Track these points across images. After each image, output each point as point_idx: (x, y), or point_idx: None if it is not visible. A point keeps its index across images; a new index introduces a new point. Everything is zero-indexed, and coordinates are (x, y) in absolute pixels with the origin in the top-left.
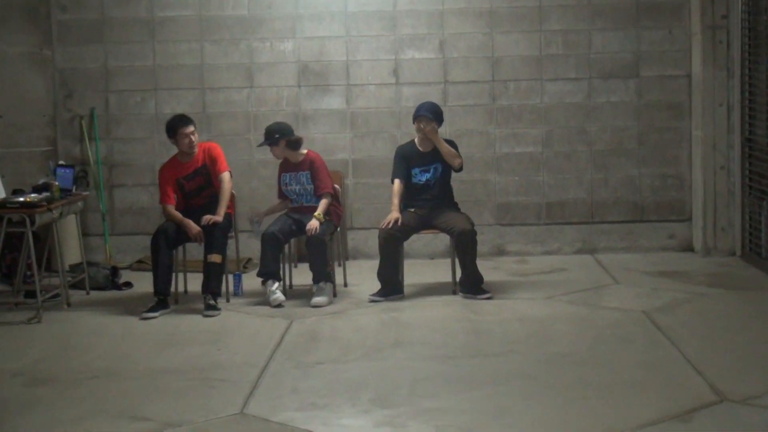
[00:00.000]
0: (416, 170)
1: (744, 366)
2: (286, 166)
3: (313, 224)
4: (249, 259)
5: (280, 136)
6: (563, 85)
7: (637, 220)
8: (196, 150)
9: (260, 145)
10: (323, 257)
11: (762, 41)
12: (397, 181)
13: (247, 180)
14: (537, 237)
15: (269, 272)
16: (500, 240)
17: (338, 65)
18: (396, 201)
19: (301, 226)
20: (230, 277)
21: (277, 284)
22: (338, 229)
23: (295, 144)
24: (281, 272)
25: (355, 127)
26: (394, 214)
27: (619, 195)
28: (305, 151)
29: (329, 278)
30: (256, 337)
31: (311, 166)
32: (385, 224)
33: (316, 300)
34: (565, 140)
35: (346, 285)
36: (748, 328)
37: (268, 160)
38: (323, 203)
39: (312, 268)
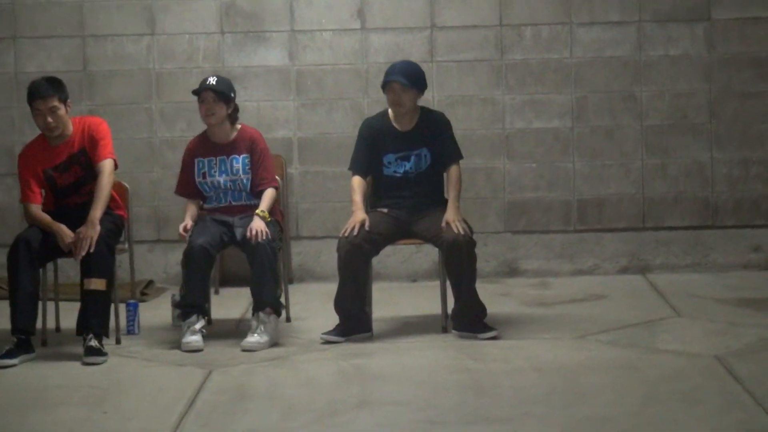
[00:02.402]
0: (390, 157)
1: None
2: (205, 148)
3: (259, 226)
4: (149, 282)
5: (234, 94)
6: (602, 31)
7: (707, 226)
8: (71, 129)
9: (200, 91)
10: (273, 274)
11: None
12: (356, 179)
13: (146, 167)
14: (564, 250)
15: (194, 304)
16: (511, 254)
17: (278, 2)
18: (357, 198)
19: (233, 234)
20: (121, 309)
21: (201, 322)
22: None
23: (235, 114)
24: (209, 298)
25: (303, 91)
26: (359, 216)
27: (682, 190)
28: (239, 126)
29: (278, 306)
30: (158, 395)
31: (252, 147)
32: (347, 231)
33: (252, 341)
34: (605, 111)
35: (288, 319)
36: None
37: (177, 139)
38: (269, 197)
39: (255, 291)
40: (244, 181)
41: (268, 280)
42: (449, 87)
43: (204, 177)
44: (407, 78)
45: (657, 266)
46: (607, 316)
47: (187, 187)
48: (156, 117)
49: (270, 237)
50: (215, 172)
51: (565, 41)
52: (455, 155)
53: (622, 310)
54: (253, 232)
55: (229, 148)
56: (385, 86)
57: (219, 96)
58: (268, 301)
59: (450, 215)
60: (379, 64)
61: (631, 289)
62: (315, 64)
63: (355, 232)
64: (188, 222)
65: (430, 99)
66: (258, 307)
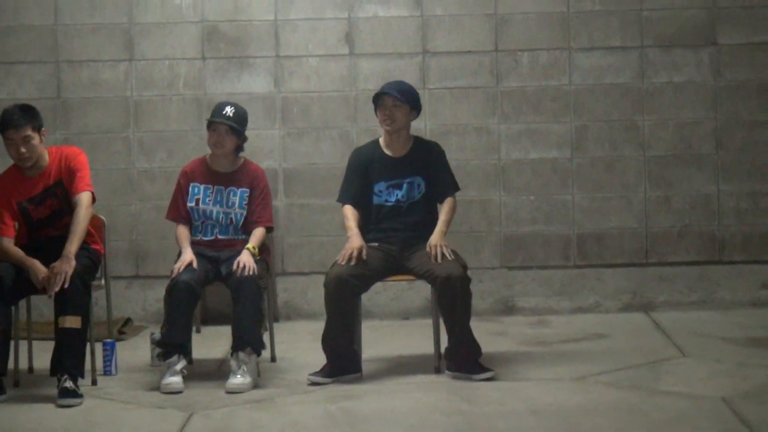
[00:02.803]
0: (381, 185)
1: None
2: (203, 175)
3: (247, 260)
4: (127, 320)
5: (246, 126)
6: (603, 57)
7: (714, 262)
8: (47, 160)
9: (214, 121)
10: (257, 312)
11: None
12: (348, 207)
13: (124, 200)
14: (564, 287)
15: (176, 343)
16: (508, 291)
17: (263, 27)
18: (352, 224)
19: (218, 270)
20: (98, 348)
21: (182, 362)
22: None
23: (243, 145)
24: (191, 342)
25: (289, 120)
26: (355, 242)
27: (687, 223)
28: (242, 158)
29: (259, 346)
30: None
31: (254, 183)
32: (343, 258)
33: (237, 382)
34: (605, 141)
35: (273, 359)
36: None
37: (157, 170)
38: (260, 235)
39: (237, 329)
40: (238, 216)
41: (250, 318)
42: (442, 115)
43: (197, 204)
44: (400, 93)
45: (661, 304)
46: (609, 356)
47: (180, 211)
48: (134, 147)
49: (256, 273)
50: (210, 201)
51: (564, 67)
52: (452, 187)
53: (624, 349)
54: (241, 265)
55: (230, 180)
56: (377, 102)
57: (233, 129)
58: (250, 340)
59: (433, 239)
60: (368, 90)
61: (633, 327)
62: (301, 91)
63: (353, 261)
64: (189, 257)
65: (422, 128)
66: (238, 346)
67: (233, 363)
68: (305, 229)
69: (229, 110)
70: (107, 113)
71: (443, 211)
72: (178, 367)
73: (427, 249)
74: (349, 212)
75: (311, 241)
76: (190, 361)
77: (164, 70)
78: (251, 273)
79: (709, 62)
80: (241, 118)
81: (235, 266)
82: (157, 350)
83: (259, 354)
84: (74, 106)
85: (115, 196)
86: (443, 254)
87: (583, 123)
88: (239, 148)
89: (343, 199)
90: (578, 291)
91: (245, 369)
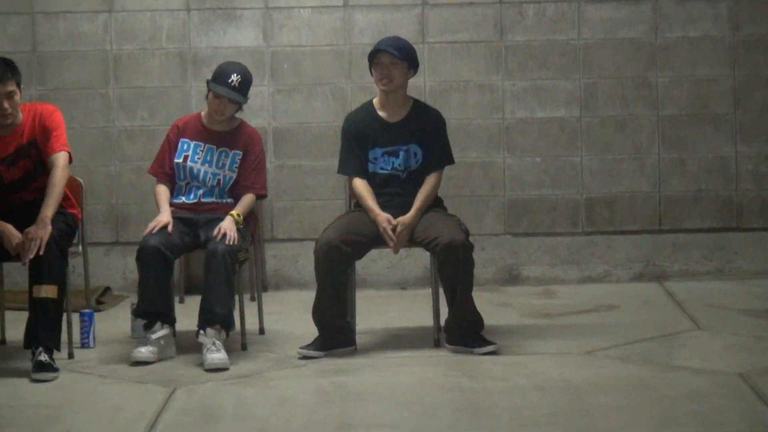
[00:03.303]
0: (377, 152)
1: None
2: (195, 131)
3: (229, 227)
4: (106, 289)
5: (248, 88)
6: (614, 9)
7: (732, 228)
8: (21, 117)
9: (213, 87)
10: (229, 288)
11: None
12: (358, 181)
13: (103, 160)
14: (572, 255)
15: (156, 311)
16: (512, 259)
17: None
18: (371, 203)
19: (196, 235)
20: (75, 319)
21: (163, 332)
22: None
23: (242, 106)
24: (172, 304)
25: (278, 76)
26: (382, 216)
27: (702, 188)
28: (238, 121)
29: (230, 325)
30: (116, 416)
31: (249, 146)
32: (385, 229)
33: (218, 357)
34: (616, 99)
35: (262, 331)
36: None
37: (138, 129)
38: (248, 202)
39: (206, 304)
40: (227, 178)
41: (221, 293)
42: (442, 71)
43: (184, 160)
44: (398, 50)
45: (675, 273)
46: (619, 329)
47: (164, 166)
48: (114, 104)
49: (235, 245)
50: (199, 159)
51: (572, 20)
52: (443, 160)
53: (635, 322)
54: (222, 232)
55: (223, 140)
56: (372, 59)
57: (235, 99)
58: (219, 317)
59: (403, 218)
60: (363, 45)
61: (645, 298)
62: (292, 45)
63: (393, 239)
64: (166, 219)
65: (420, 85)
66: (207, 322)
67: (205, 339)
68: (296, 192)
69: (235, 78)
70: (85, 68)
71: (424, 188)
72: (155, 336)
73: (398, 229)
74: (362, 187)
75: (302, 206)
76: (174, 333)
77: (146, 23)
78: (231, 242)
79: (728, 15)
80: (246, 86)
81: (216, 231)
82: (137, 321)
83: (227, 333)
84: (50, 61)
85: (94, 157)
86: (444, 218)
87: (592, 80)
88: (238, 109)
89: (347, 171)
90: (587, 259)
91: (219, 345)
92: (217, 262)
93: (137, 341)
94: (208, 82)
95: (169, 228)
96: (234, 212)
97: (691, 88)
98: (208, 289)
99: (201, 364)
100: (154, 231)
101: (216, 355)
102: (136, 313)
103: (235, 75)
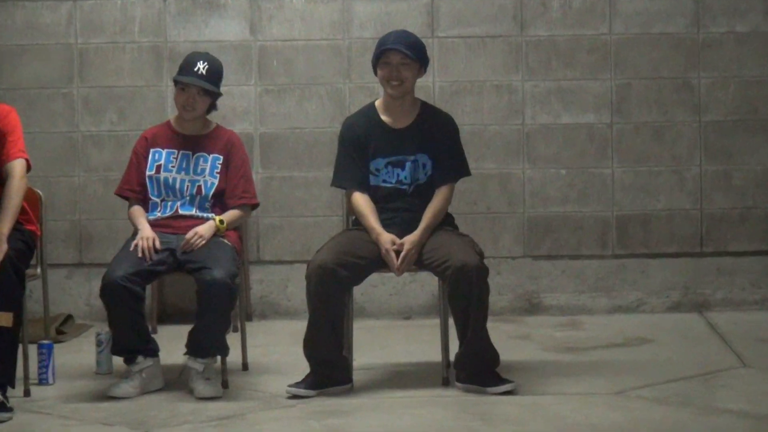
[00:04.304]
0: (380, 162)
1: None
2: (166, 139)
3: (204, 232)
4: (67, 317)
5: (220, 82)
6: (650, 0)
7: None
8: None
9: (177, 78)
10: (226, 320)
11: None
12: (358, 196)
13: (65, 170)
14: (600, 281)
15: (134, 349)
16: (532, 285)
17: None
18: (373, 222)
19: (174, 258)
20: (32, 351)
21: (150, 362)
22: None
23: (215, 103)
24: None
25: (267, 74)
26: (384, 239)
27: (750, 205)
28: (214, 124)
29: (224, 351)
30: None
31: (230, 151)
32: (387, 251)
33: (209, 389)
34: (652, 103)
35: (245, 367)
36: None
37: (106, 134)
38: (238, 214)
39: (200, 335)
40: (208, 185)
41: (218, 326)
42: (454, 70)
43: (157, 171)
44: (409, 48)
45: (718, 302)
46: (653, 366)
47: (132, 184)
48: (78, 106)
49: (232, 269)
50: (173, 167)
51: (603, 13)
52: (457, 171)
53: (672, 358)
54: (196, 237)
55: (198, 144)
56: (379, 59)
57: (206, 90)
58: (214, 350)
59: (410, 237)
60: (364, 40)
61: (684, 331)
62: (283, 40)
63: (397, 263)
64: (149, 233)
65: (429, 85)
66: (200, 353)
67: (195, 364)
68: (286, 207)
69: (201, 66)
70: (46, 64)
71: (433, 203)
72: (136, 368)
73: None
74: (363, 203)
75: (293, 223)
76: (158, 362)
77: (116, 13)
78: (190, 249)
79: None
80: (215, 75)
81: (190, 235)
82: (102, 354)
83: (223, 359)
84: (6, 56)
85: (55, 166)
86: (455, 239)
87: (625, 81)
88: (212, 106)
89: (346, 183)
90: (617, 286)
91: (209, 377)
92: (215, 294)
93: (104, 377)
94: (174, 80)
95: (157, 244)
96: (217, 218)
97: (737, 90)
98: (202, 322)
99: (179, 400)
100: (146, 248)
101: (205, 385)
102: (114, 351)
103: (201, 62)
